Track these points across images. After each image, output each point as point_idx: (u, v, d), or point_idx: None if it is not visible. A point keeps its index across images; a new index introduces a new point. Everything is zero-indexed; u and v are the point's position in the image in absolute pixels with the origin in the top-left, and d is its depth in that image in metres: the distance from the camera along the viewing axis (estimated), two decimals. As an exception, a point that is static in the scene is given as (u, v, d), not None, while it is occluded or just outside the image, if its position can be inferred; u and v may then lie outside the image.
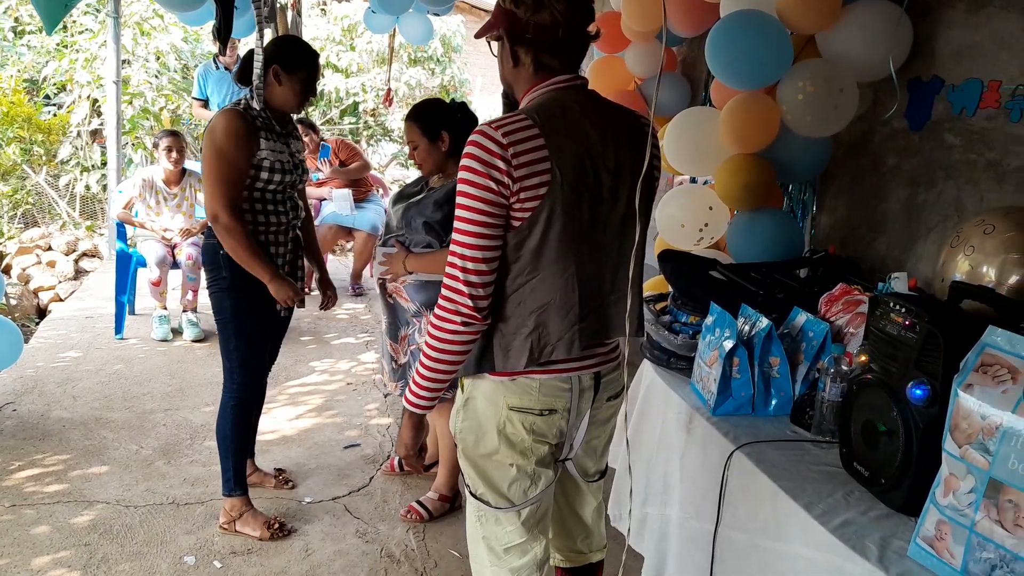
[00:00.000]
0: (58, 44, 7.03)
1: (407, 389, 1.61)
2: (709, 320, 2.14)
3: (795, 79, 2.60)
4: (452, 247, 1.46)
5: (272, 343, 2.75)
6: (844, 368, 1.82)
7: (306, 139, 5.63)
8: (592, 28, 1.53)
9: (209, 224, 2.42)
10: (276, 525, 2.62)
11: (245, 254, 2.40)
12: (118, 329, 4.51)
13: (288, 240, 2.60)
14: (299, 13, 5.18)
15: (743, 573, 1.80)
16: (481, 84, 11.57)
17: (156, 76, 7.17)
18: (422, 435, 1.71)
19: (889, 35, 2.54)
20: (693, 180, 3.51)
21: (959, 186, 2.48)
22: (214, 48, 6.12)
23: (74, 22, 7.53)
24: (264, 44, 2.37)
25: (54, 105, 7.58)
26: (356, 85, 8.78)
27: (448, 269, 1.47)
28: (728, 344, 2.01)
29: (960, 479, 1.34)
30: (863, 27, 2.54)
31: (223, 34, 2.58)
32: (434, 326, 1.50)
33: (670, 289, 2.65)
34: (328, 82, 8.74)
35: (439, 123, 2.65)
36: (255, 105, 2.43)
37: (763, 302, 2.28)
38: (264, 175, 2.44)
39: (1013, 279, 1.92)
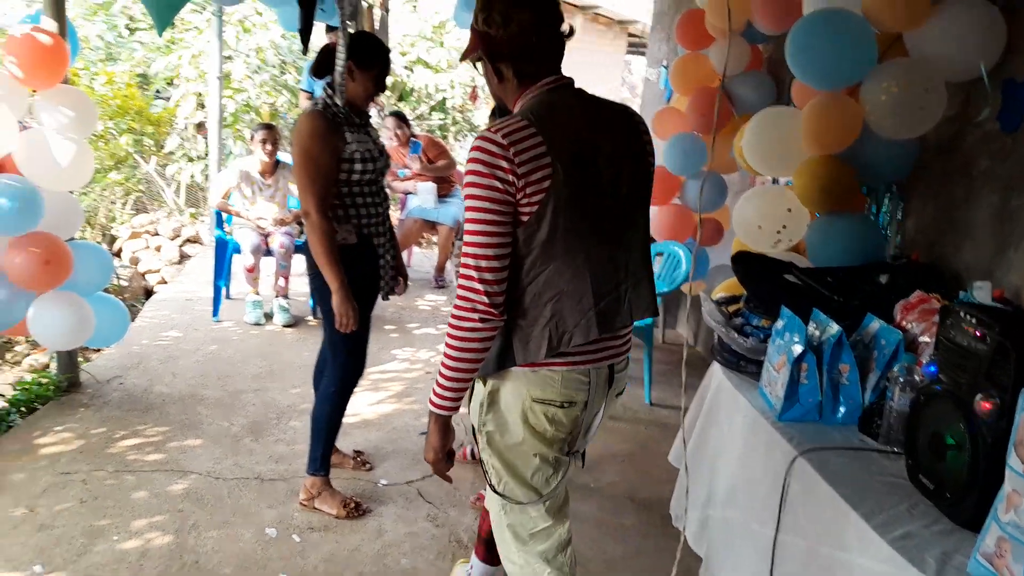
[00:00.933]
0: (168, 40, 7.44)
1: (431, 392, 1.63)
2: (779, 324, 2.13)
3: (879, 79, 2.54)
4: (464, 248, 1.52)
5: None
6: (914, 378, 1.79)
7: (398, 132, 5.79)
8: (564, 28, 1.63)
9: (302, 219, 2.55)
10: (352, 505, 2.75)
11: (325, 254, 2.47)
12: (215, 312, 4.79)
13: (387, 229, 2.70)
14: (387, 10, 5.32)
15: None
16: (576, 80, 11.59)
17: (256, 72, 7.51)
18: (450, 439, 1.71)
19: (980, 34, 2.46)
20: (775, 181, 3.46)
21: (1057, 192, 2.38)
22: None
23: (182, 20, 7.95)
24: (345, 41, 2.48)
25: (163, 98, 8.04)
26: (445, 81, 8.93)
27: (462, 270, 1.53)
28: (797, 349, 2.00)
29: (1022, 496, 1.32)
30: (953, 26, 2.46)
31: (305, 35, 2.70)
32: (453, 326, 1.54)
33: (744, 291, 2.64)
34: (417, 78, 8.92)
35: None
36: (337, 101, 2.54)
37: (837, 308, 2.25)
38: (357, 167, 2.54)
39: None
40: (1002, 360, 1.46)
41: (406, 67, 9.07)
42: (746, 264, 2.50)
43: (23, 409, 3.43)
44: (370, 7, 5.07)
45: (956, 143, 2.77)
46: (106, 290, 5.46)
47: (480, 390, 1.72)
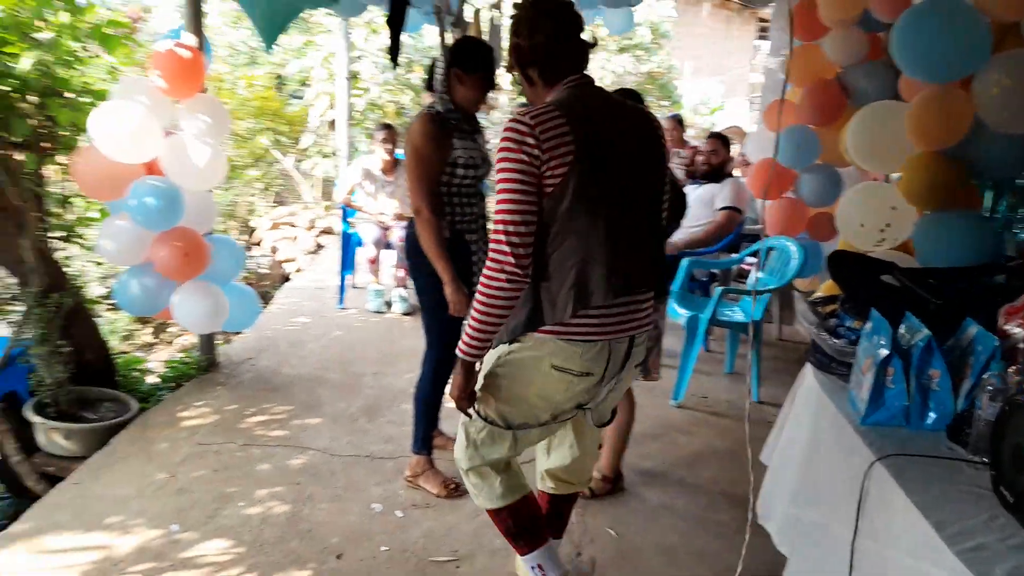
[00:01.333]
0: (304, 43, 7.93)
1: (459, 340, 1.86)
2: (867, 326, 2.10)
3: (992, 72, 2.43)
4: (495, 216, 1.74)
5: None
6: (1005, 386, 1.73)
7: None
8: (588, 36, 1.86)
9: (412, 215, 2.72)
10: (452, 485, 2.92)
11: (436, 248, 2.62)
12: (340, 300, 5.13)
13: (480, 228, 2.82)
14: (499, 9, 5.43)
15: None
16: (692, 68, 11.37)
17: (383, 71, 7.86)
18: (473, 381, 1.92)
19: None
20: (886, 179, 3.34)
21: None
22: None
23: (317, 23, 8.44)
24: (445, 50, 2.61)
25: (298, 98, 8.58)
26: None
27: (493, 235, 1.75)
28: (882, 352, 1.97)
29: (1093, 513, 1.28)
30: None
31: (393, 52, 2.83)
32: (483, 284, 1.76)
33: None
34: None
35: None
36: (440, 108, 2.68)
37: (934, 311, 2.18)
38: (460, 171, 2.67)
39: None
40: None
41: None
42: (842, 264, 2.45)
43: (172, 385, 3.84)
44: (477, 12, 5.23)
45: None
46: (246, 278, 5.94)
47: (504, 347, 1.91)
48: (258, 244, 8.65)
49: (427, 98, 6.22)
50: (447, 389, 2.31)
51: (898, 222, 2.75)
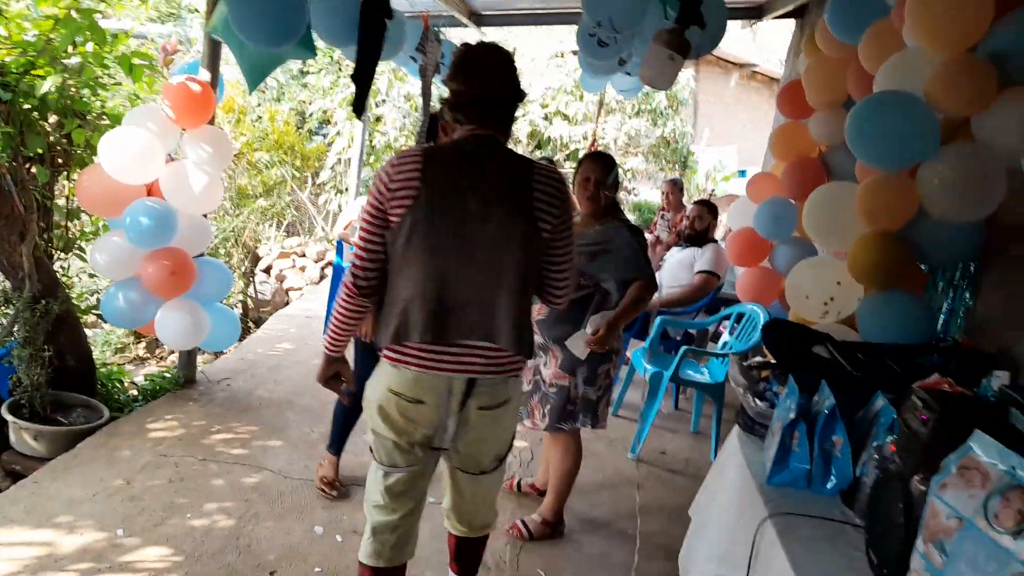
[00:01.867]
0: (331, 83, 8.26)
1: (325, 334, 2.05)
2: (782, 391, 2.19)
3: (936, 163, 2.54)
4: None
5: None
6: (884, 455, 1.82)
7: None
8: (502, 96, 1.94)
9: None
10: (330, 484, 3.19)
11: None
12: (325, 328, 5.25)
13: None
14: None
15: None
16: (708, 135, 11.59)
17: (404, 116, 8.15)
18: (330, 369, 2.10)
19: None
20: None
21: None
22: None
23: (349, 64, 8.81)
24: (426, 101, 2.78)
25: (321, 135, 8.88)
26: (579, 133, 9.28)
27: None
28: (790, 416, 2.06)
29: (917, 573, 1.36)
30: (1017, 112, 2.43)
31: (357, 105, 2.99)
32: (338, 293, 1.96)
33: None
34: (555, 129, 9.32)
35: (610, 171, 2.91)
36: None
37: (852, 383, 2.26)
38: None
39: None
40: (940, 444, 1.50)
41: (545, 118, 9.50)
42: (777, 332, 2.55)
43: (148, 397, 3.98)
44: None
45: (1025, 229, 2.70)
46: (244, 303, 6.10)
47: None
48: (267, 271, 8.88)
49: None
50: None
51: (842, 297, 2.84)
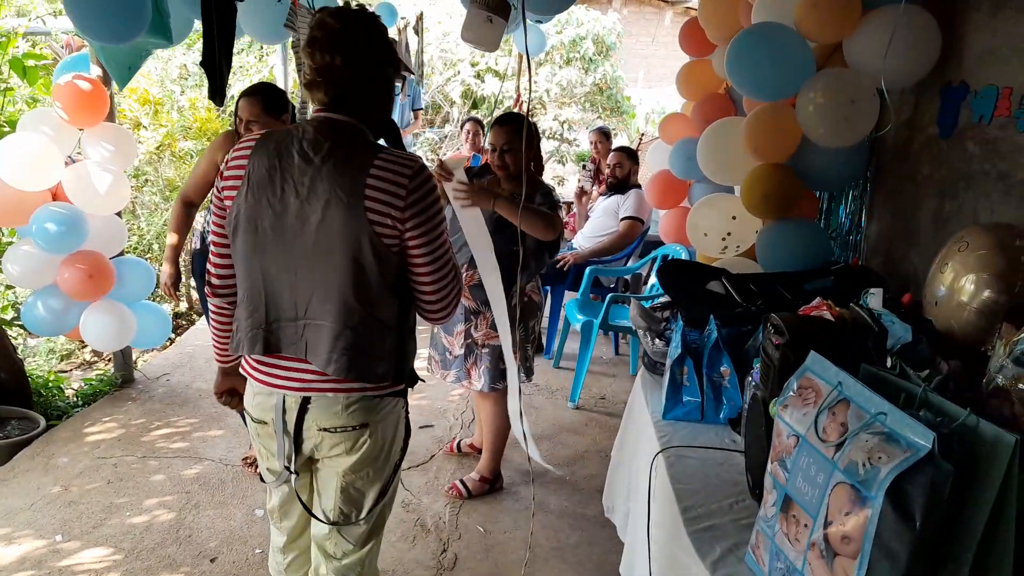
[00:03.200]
0: (253, 64, 8.09)
1: None
2: (672, 329, 2.28)
3: (808, 90, 2.61)
4: None
5: None
6: (755, 383, 1.91)
7: (475, 139, 6.04)
8: (347, 71, 1.64)
9: None
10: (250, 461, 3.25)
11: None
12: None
13: None
14: (417, 32, 5.60)
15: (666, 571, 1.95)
16: (644, 77, 11.59)
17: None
18: (227, 384, 1.93)
19: (913, 41, 2.49)
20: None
21: (976, 198, 2.39)
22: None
23: (257, 46, 8.64)
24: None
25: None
26: (512, 88, 9.22)
27: None
28: (677, 351, 2.15)
29: (768, 493, 1.45)
30: (884, 34, 2.49)
31: (213, 92, 2.91)
32: None
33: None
34: (488, 87, 9.25)
35: (526, 133, 2.78)
36: None
37: (740, 314, 2.35)
38: None
39: (984, 296, 1.89)
40: (789, 367, 1.58)
41: (477, 76, 9.42)
42: (670, 273, 2.62)
43: (86, 403, 3.98)
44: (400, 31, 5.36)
45: (906, 149, 2.80)
46: (188, 295, 6.05)
47: None
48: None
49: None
50: None
51: (739, 231, 2.92)
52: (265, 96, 2.84)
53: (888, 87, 2.56)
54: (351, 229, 1.58)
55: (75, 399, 4.04)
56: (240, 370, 1.79)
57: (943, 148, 2.55)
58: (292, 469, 1.76)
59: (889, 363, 1.67)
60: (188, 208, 3.12)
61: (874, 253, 2.99)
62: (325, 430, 1.70)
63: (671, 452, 1.97)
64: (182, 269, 3.24)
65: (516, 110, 6.99)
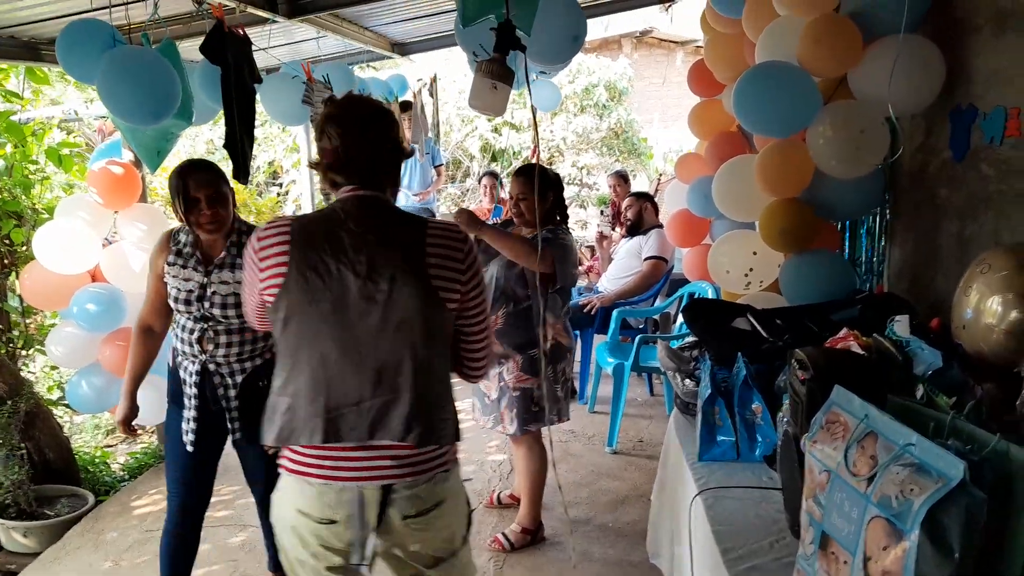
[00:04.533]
0: (273, 135, 8.35)
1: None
2: (702, 369, 2.29)
3: (818, 124, 2.65)
4: None
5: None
6: (785, 419, 1.91)
7: (492, 191, 6.22)
8: (386, 143, 1.69)
9: None
10: None
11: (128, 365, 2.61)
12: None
13: (194, 371, 2.44)
14: (432, 93, 5.76)
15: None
16: (660, 117, 11.71)
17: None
18: None
19: (916, 68, 2.52)
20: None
21: (996, 218, 2.39)
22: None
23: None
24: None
25: (277, 185, 8.97)
26: (529, 139, 9.40)
27: None
28: (706, 392, 2.16)
29: (805, 530, 1.45)
30: (886, 63, 2.52)
31: (237, 171, 2.94)
32: None
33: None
34: (505, 139, 9.45)
35: (546, 185, 3.02)
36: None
37: (767, 350, 2.36)
38: (170, 300, 2.44)
39: (1011, 317, 1.88)
40: (816, 402, 1.59)
41: (494, 130, 9.61)
42: (695, 312, 2.64)
43: (132, 476, 4.06)
44: (389, 103, 5.56)
45: (922, 174, 2.81)
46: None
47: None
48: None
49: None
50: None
51: (761, 266, 2.94)
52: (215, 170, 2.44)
53: (897, 114, 2.59)
54: (420, 300, 1.59)
55: (121, 473, 4.12)
56: (281, 468, 1.66)
57: (958, 171, 2.56)
58: (368, 565, 1.67)
59: (920, 391, 1.67)
60: (148, 335, 2.56)
61: (899, 279, 2.98)
62: (409, 517, 1.63)
63: (708, 494, 1.97)
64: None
65: (534, 159, 7.12)
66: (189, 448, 2.50)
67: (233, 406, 2.48)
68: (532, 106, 2.12)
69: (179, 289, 2.40)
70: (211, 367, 2.44)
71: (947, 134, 2.61)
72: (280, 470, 1.66)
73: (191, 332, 2.43)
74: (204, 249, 2.43)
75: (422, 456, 1.62)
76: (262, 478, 2.63)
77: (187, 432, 2.49)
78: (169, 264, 2.41)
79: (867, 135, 2.56)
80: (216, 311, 2.39)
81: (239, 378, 2.46)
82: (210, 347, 2.42)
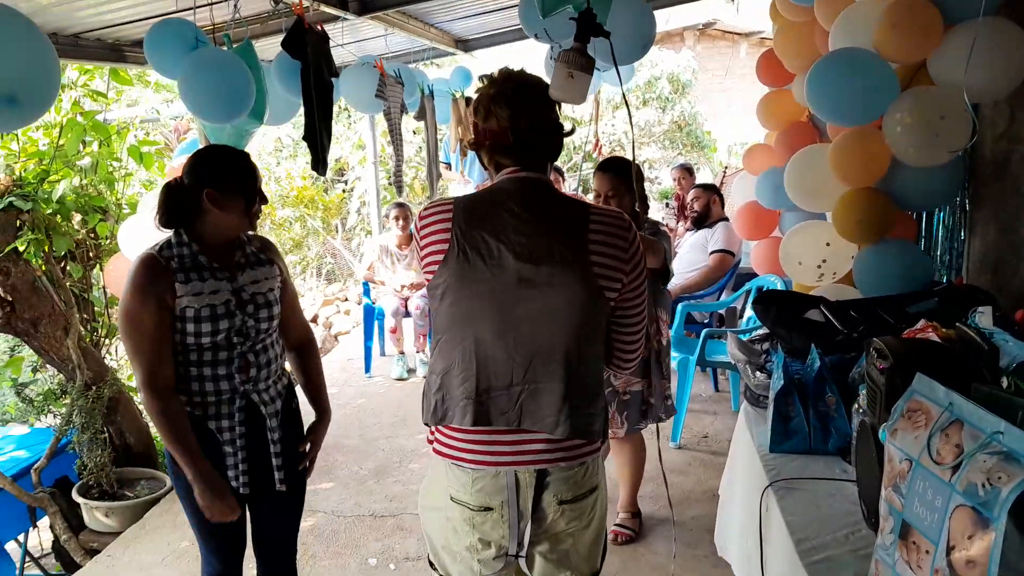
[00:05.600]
0: (341, 132, 8.52)
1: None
2: (773, 361, 2.25)
3: (895, 111, 2.58)
4: None
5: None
6: (862, 409, 1.87)
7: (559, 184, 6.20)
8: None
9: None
10: None
11: (168, 438, 1.90)
12: (367, 368, 5.47)
13: (236, 411, 1.98)
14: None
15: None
16: (725, 109, 11.54)
17: (417, 153, 8.37)
18: None
19: (999, 53, 2.43)
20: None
21: (1087, 207, 2.29)
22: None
23: (348, 113, 9.08)
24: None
25: (343, 182, 9.16)
26: (591, 134, 9.36)
27: None
28: (780, 383, 2.12)
29: (884, 520, 1.42)
30: (966, 49, 2.44)
31: (315, 163, 2.97)
32: None
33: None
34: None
35: (631, 177, 2.78)
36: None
37: (841, 341, 2.31)
38: (190, 327, 1.90)
39: None
40: (896, 391, 1.55)
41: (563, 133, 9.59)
42: (766, 304, 2.60)
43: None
44: (455, 99, 5.60)
45: (1006, 162, 2.71)
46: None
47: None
48: (314, 320, 9.17)
49: (444, 170, 6.69)
50: None
51: (834, 258, 2.87)
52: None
53: (979, 100, 2.51)
54: (580, 287, 1.54)
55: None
56: (436, 453, 1.62)
57: (1045, 158, 2.47)
58: (522, 553, 1.61)
59: (1005, 383, 1.61)
60: (169, 400, 1.90)
61: (980, 270, 2.88)
62: (565, 502, 1.59)
63: (780, 485, 1.95)
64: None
65: (596, 155, 7.09)
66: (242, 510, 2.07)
67: (277, 438, 2.06)
68: (623, 94, 2.05)
69: (210, 307, 1.91)
70: (255, 398, 2.01)
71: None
72: (433, 455, 1.63)
73: (228, 363, 1.96)
74: (212, 256, 1.96)
75: (575, 442, 1.58)
76: (275, 538, 2.27)
77: (240, 487, 2.01)
78: (181, 283, 1.88)
79: (947, 122, 2.48)
80: (263, 313, 2.01)
81: (279, 404, 2.08)
82: (253, 372, 2.00)
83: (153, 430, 4.35)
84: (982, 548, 1.15)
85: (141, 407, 4.36)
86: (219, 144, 2.21)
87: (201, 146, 4.01)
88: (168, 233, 1.99)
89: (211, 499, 1.92)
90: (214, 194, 1.91)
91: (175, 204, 1.96)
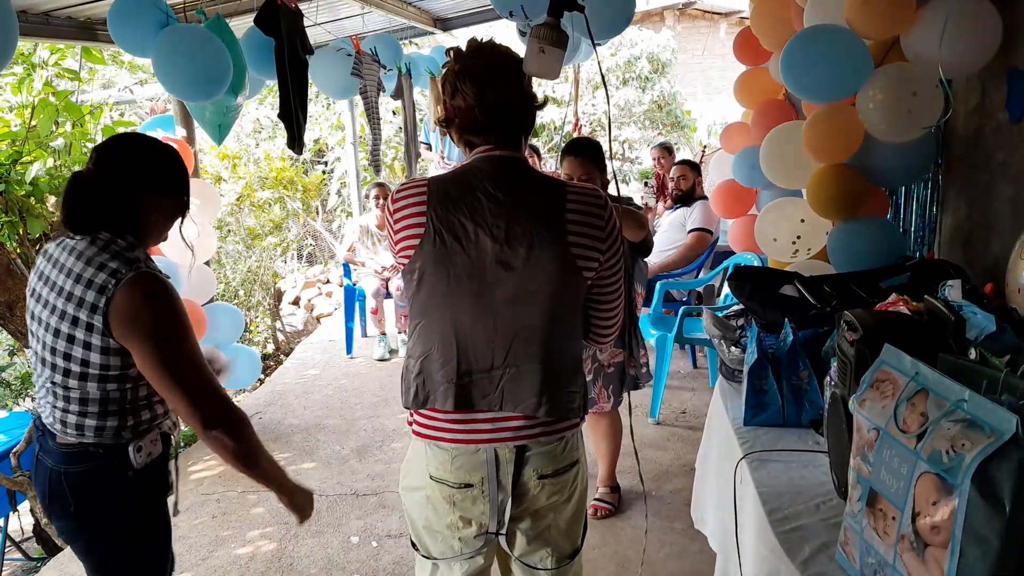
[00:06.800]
0: (319, 113, 8.45)
1: None
2: (749, 336, 2.28)
3: (868, 88, 2.60)
4: None
5: None
6: (833, 381, 1.90)
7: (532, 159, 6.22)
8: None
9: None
10: None
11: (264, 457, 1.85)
12: (348, 350, 5.47)
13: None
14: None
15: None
16: (703, 89, 11.55)
17: (396, 134, 8.31)
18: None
19: (972, 29, 2.46)
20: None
21: (1055, 181, 2.33)
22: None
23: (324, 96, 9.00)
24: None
25: (323, 163, 9.09)
26: (570, 113, 9.36)
27: None
28: (752, 358, 2.15)
29: (852, 488, 1.45)
30: (940, 25, 2.47)
31: (291, 142, 2.97)
32: None
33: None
34: (547, 114, 9.41)
35: (603, 158, 2.81)
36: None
37: (814, 315, 2.34)
38: None
39: None
40: (864, 363, 1.58)
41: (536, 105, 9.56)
42: (741, 280, 2.62)
43: (188, 443, 4.21)
44: (433, 78, 5.55)
45: (977, 137, 2.75)
46: (275, 337, 6.31)
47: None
48: (295, 303, 9.14)
49: (424, 150, 6.66)
50: None
51: (808, 234, 2.90)
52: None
53: (951, 76, 2.53)
54: (558, 267, 1.52)
55: (180, 441, 4.26)
56: (415, 435, 1.63)
57: (1015, 133, 2.50)
58: (503, 531, 1.62)
59: (973, 354, 1.65)
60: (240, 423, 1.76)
61: (951, 245, 2.92)
62: (546, 477, 1.60)
63: (754, 457, 1.98)
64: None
65: (576, 134, 7.08)
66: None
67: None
68: (600, 68, 2.04)
69: None
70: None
71: (1003, 96, 2.55)
72: (412, 436, 1.63)
73: None
74: None
75: (540, 419, 1.58)
76: None
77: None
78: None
79: (919, 98, 2.50)
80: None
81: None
82: None
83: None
84: (946, 514, 1.18)
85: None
86: (144, 133, 1.97)
87: (176, 124, 3.98)
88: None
89: (307, 499, 1.99)
90: (154, 198, 1.71)
91: (89, 202, 1.64)
